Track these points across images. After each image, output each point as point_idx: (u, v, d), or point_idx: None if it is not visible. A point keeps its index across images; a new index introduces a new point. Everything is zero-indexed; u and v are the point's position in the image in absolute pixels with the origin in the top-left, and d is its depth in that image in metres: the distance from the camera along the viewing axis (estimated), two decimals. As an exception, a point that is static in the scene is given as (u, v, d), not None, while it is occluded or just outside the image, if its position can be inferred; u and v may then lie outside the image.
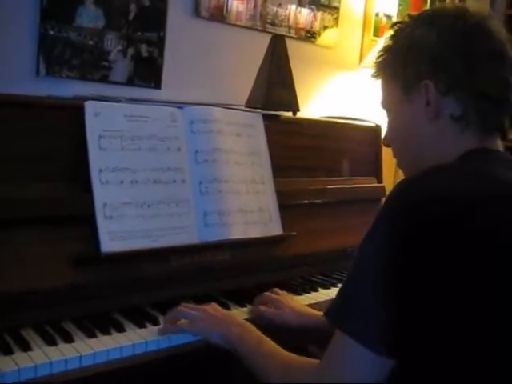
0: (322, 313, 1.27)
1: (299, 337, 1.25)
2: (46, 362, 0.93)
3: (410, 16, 1.01)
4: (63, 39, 1.50)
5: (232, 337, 1.04)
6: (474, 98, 0.89)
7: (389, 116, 1.01)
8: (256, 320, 1.19)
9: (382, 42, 2.28)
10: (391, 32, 1.01)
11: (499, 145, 0.94)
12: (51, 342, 1.00)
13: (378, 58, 1.01)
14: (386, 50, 1.00)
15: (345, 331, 0.80)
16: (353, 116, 1.98)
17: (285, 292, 1.34)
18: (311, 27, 2.21)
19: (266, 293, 1.31)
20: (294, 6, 2.12)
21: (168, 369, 1.05)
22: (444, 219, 0.76)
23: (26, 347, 0.97)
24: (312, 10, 2.19)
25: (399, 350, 0.78)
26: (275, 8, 2.04)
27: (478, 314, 0.76)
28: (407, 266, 0.77)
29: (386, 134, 1.05)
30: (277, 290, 1.33)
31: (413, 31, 0.95)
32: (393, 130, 1.01)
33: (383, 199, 1.88)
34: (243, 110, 1.58)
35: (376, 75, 1.03)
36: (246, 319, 1.19)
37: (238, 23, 1.93)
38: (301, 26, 2.16)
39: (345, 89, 2.40)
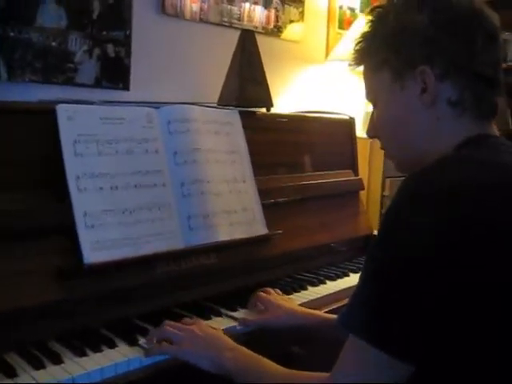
0: (317, 311, 1.25)
1: (284, 338, 1.21)
2: (35, 388, 0.86)
3: (389, 1, 0.97)
4: (24, 41, 1.41)
5: (226, 362, 0.97)
6: (471, 81, 0.86)
7: (377, 106, 0.97)
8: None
9: (351, 33, 2.27)
10: (370, 18, 0.97)
11: (495, 130, 0.92)
12: (38, 366, 0.92)
13: (359, 44, 0.97)
14: (370, 37, 0.95)
15: (363, 338, 0.75)
16: (324, 110, 1.95)
17: (277, 291, 1.30)
18: (276, 22, 2.18)
19: (258, 292, 1.27)
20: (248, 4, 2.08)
21: (167, 381, 0.99)
22: (478, 208, 0.73)
23: (11, 373, 0.89)
24: (277, 4, 2.16)
25: (420, 355, 0.74)
26: (242, 4, 1.99)
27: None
28: (453, 257, 0.72)
29: (370, 126, 1.00)
30: (268, 289, 1.29)
31: (400, 15, 0.91)
32: (382, 120, 0.95)
33: (360, 192, 1.91)
34: (217, 108, 1.53)
35: (357, 63, 0.98)
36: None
37: (205, 19, 1.88)
38: (255, 23, 2.10)
39: (312, 83, 2.38)
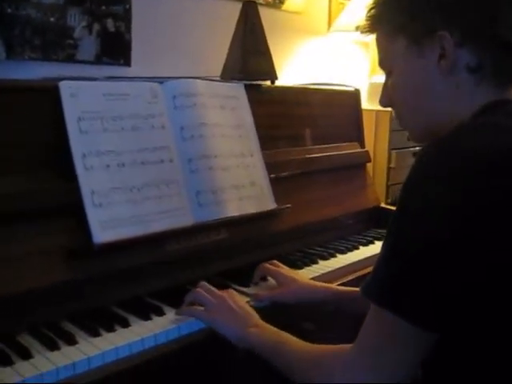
0: (330, 285, 1.24)
1: (295, 313, 1.20)
2: (52, 370, 0.84)
3: None
4: (22, 18, 1.37)
5: (250, 338, 0.98)
6: (491, 47, 0.83)
7: (392, 74, 0.93)
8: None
9: (353, 4, 2.22)
10: None
11: None
12: (53, 347, 0.91)
13: (372, 10, 0.93)
14: (383, 2, 0.92)
15: (389, 308, 0.74)
16: (328, 82, 1.92)
17: (285, 266, 1.28)
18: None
19: (265, 264, 1.25)
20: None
21: (180, 361, 0.98)
22: (494, 175, 0.71)
23: (26, 355, 0.88)
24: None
25: (444, 324, 0.73)
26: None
27: None
28: (480, 225, 0.70)
29: (383, 94, 0.97)
30: (276, 262, 1.27)
31: None
32: (398, 89, 0.92)
33: (367, 164, 1.88)
34: (222, 82, 1.50)
35: (370, 30, 0.95)
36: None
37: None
38: None
39: (316, 54, 2.34)
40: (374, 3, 0.93)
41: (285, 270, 1.25)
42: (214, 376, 1.06)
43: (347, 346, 0.82)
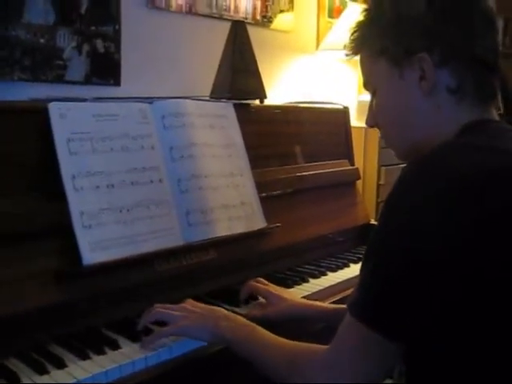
0: (320, 303, 1.24)
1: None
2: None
3: None
4: (12, 38, 1.38)
5: (223, 331, 0.98)
6: (471, 67, 0.85)
7: (376, 95, 0.95)
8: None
9: (341, 21, 2.25)
10: (365, 6, 0.96)
11: (495, 115, 0.90)
12: (42, 371, 0.90)
13: (355, 34, 0.95)
14: (366, 25, 0.93)
15: (371, 326, 0.76)
16: (317, 100, 1.94)
17: (271, 284, 1.27)
18: (266, 11, 2.15)
19: (253, 283, 1.24)
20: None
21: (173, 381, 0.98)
22: (482, 196, 0.72)
23: (14, 380, 0.87)
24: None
25: (416, 336, 0.76)
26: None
27: None
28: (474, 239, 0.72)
29: (369, 115, 0.98)
30: (262, 280, 1.26)
31: (396, 3, 0.89)
32: (382, 109, 0.94)
33: (357, 182, 1.89)
34: (211, 101, 1.50)
35: (354, 52, 0.96)
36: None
37: (194, 11, 1.85)
38: (242, 13, 2.06)
39: (304, 73, 2.36)
40: (357, 26, 0.95)
41: (272, 287, 1.25)
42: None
43: (323, 347, 0.84)
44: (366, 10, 0.95)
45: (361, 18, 0.95)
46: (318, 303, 1.22)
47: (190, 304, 1.06)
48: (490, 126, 0.86)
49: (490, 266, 0.72)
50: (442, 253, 0.72)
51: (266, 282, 1.27)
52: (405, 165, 0.82)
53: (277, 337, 0.94)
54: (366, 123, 1.00)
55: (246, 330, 0.97)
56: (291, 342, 0.91)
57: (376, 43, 0.91)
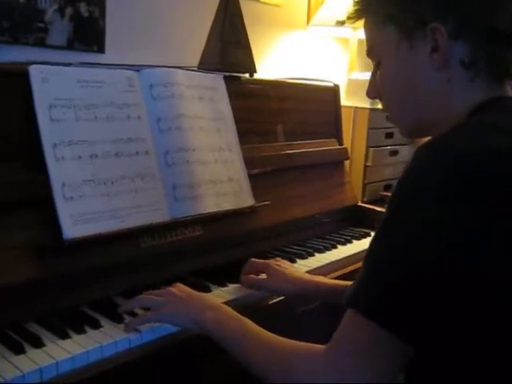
0: (319, 278, 1.18)
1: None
2: (18, 376, 0.78)
3: None
4: (-11, -3, 1.30)
5: (207, 322, 0.90)
6: (488, 39, 0.79)
7: (380, 65, 0.88)
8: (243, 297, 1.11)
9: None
10: None
11: (509, 90, 0.84)
12: (18, 350, 0.85)
13: None
14: None
15: (368, 316, 0.70)
16: (307, 77, 1.88)
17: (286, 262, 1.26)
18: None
19: (251, 259, 1.21)
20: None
21: (157, 364, 0.93)
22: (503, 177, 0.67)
23: (-11, 358, 0.82)
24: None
25: (425, 337, 0.70)
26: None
27: None
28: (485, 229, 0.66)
29: (370, 86, 0.92)
30: (280, 259, 1.24)
31: None
32: (387, 81, 0.87)
33: (346, 161, 1.85)
34: (201, 72, 1.44)
35: (358, 16, 0.89)
36: (230, 300, 1.09)
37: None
38: None
39: (294, 49, 2.29)
40: None
41: (275, 262, 1.21)
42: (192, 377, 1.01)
43: (318, 347, 0.76)
44: None
45: None
46: (317, 278, 1.19)
47: (177, 289, 0.98)
48: (507, 104, 0.81)
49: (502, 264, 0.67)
50: (460, 247, 0.66)
51: (282, 260, 1.23)
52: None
53: (269, 333, 0.85)
54: (367, 94, 0.93)
55: (234, 324, 0.88)
56: (287, 341, 0.82)
57: (383, 9, 0.84)
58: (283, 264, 1.21)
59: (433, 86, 0.82)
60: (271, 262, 1.20)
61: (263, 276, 1.19)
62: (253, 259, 1.21)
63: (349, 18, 0.93)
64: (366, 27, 0.89)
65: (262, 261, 1.21)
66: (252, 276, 1.18)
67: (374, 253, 0.73)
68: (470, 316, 0.69)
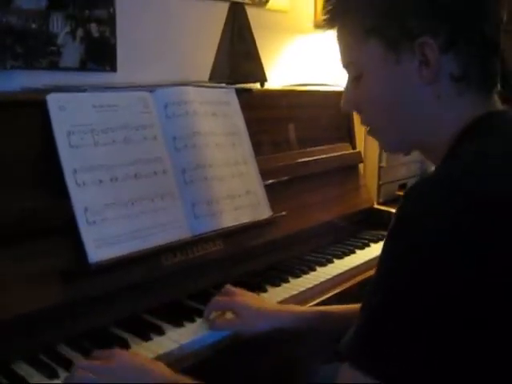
0: (296, 306, 1.11)
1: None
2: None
3: None
4: (2, 25, 1.32)
5: None
6: (479, 50, 0.75)
7: (362, 78, 0.81)
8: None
9: None
10: None
11: (499, 103, 0.80)
12: (51, 375, 0.87)
13: (332, 3, 0.81)
14: None
15: (363, 368, 0.65)
16: (316, 82, 1.89)
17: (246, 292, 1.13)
18: (262, -9, 2.09)
19: (215, 298, 1.09)
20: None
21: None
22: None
23: (22, 385, 0.84)
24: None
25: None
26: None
27: None
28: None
29: (347, 98, 0.85)
30: (232, 289, 1.11)
31: None
32: (372, 95, 0.81)
33: (360, 165, 1.85)
34: (212, 87, 1.46)
35: (330, 25, 0.82)
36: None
37: (189, -8, 1.79)
38: None
39: (302, 54, 2.30)
40: None
41: (241, 295, 1.09)
42: None
43: None
44: None
45: None
46: (293, 307, 1.11)
47: (118, 363, 0.84)
48: (501, 122, 0.77)
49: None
50: (472, 289, 0.62)
51: (234, 289, 1.11)
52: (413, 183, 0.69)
53: None
54: (343, 108, 0.87)
55: None
56: None
57: (364, 19, 0.77)
58: (247, 296, 1.09)
59: (420, 100, 0.77)
60: (236, 296, 1.08)
61: (229, 315, 1.07)
62: (216, 297, 1.09)
63: (317, 26, 0.88)
64: (341, 37, 0.83)
65: (226, 298, 1.08)
66: (219, 322, 1.06)
67: (372, 295, 0.70)
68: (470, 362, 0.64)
